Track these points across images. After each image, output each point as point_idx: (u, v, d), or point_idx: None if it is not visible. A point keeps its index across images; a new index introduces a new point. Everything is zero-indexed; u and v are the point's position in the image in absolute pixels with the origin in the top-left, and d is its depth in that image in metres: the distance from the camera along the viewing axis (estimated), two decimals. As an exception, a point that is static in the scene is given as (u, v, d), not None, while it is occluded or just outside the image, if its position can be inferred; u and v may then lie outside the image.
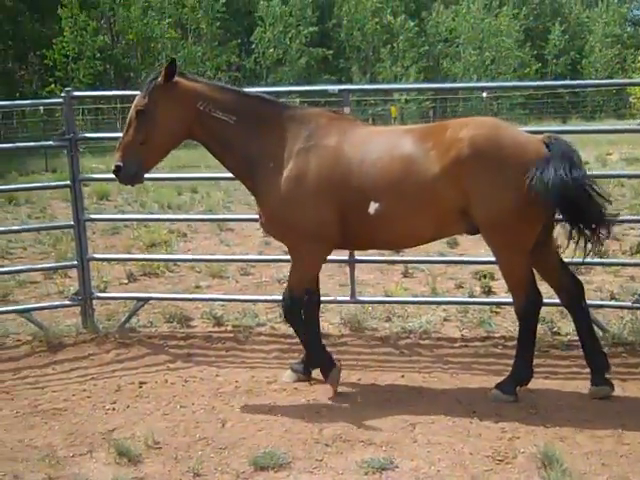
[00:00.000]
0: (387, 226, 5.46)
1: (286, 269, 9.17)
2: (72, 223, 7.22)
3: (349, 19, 52.22)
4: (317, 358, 5.78)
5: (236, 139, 5.64)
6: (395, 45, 51.49)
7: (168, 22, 41.80)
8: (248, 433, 5.05)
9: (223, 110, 5.62)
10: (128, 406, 5.59)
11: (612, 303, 7.29)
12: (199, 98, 5.60)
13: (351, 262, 6.96)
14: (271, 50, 46.18)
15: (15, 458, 4.79)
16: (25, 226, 11.09)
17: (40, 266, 9.20)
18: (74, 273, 9.46)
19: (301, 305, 5.77)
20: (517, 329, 5.56)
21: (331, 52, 50.07)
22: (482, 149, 5.18)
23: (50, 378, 6.32)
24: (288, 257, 8.27)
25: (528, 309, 5.41)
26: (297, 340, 6.47)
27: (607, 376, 5.52)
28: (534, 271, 5.49)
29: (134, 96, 5.68)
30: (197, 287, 8.90)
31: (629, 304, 6.66)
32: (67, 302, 7.43)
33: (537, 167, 5.09)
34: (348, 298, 7.03)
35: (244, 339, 6.95)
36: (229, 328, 7.21)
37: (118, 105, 34.08)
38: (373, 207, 5.38)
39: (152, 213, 14.20)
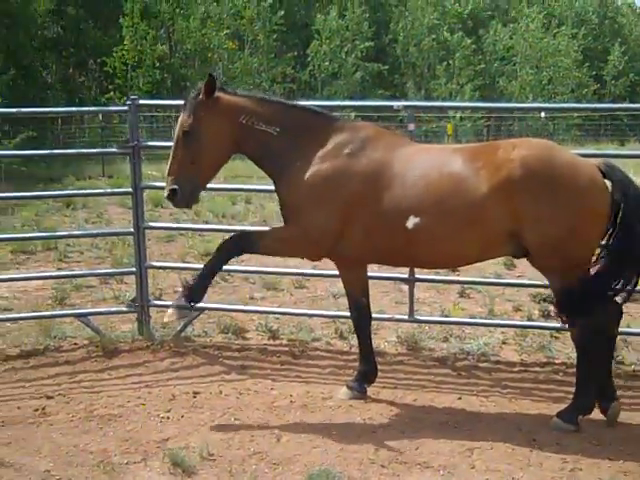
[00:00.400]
0: (428, 243, 5.40)
1: (340, 284, 9.20)
2: (132, 230, 7.26)
3: (405, 35, 52.09)
4: (192, 291, 5.59)
5: (279, 150, 5.63)
6: (451, 62, 51.21)
7: (226, 33, 42.14)
8: (303, 449, 4.99)
9: (266, 122, 5.62)
10: (182, 416, 5.56)
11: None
12: (242, 112, 5.60)
13: (410, 280, 6.85)
14: (326, 63, 46.27)
15: (70, 462, 4.79)
16: (85, 231, 11.25)
17: (99, 271, 9.30)
18: (130, 279, 9.59)
19: (240, 249, 5.73)
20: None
21: (386, 67, 50.00)
22: (534, 170, 5.11)
23: (105, 383, 6.34)
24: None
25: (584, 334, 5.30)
26: (354, 357, 6.45)
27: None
28: None
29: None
30: (251, 298, 8.87)
31: None
32: (124, 308, 7.46)
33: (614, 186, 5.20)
34: (406, 317, 6.92)
35: (299, 353, 6.90)
36: (284, 342, 7.16)
37: (173, 114, 34.43)
38: (412, 222, 5.32)
39: (207, 222, 14.24)
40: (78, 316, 7.28)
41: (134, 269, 7.36)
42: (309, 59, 47.48)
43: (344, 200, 5.46)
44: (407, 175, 5.41)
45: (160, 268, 8.82)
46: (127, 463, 4.77)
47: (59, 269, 10.49)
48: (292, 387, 6.17)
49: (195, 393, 6.02)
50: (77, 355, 6.91)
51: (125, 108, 7.21)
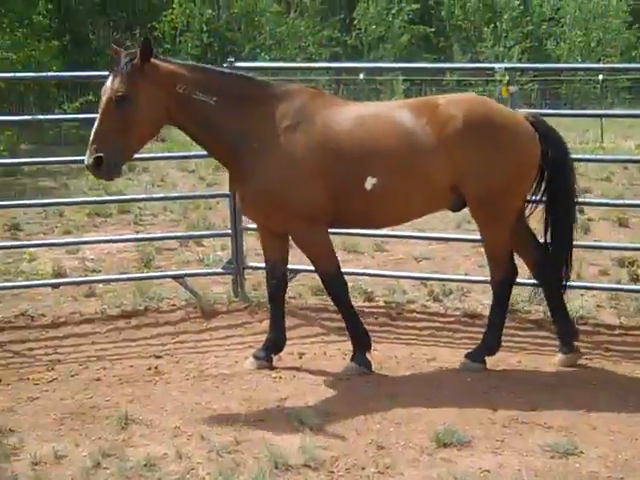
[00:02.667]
0: (384, 202, 5.55)
1: (421, 246, 9.22)
2: (228, 192, 7.31)
3: (451, -4, 51.31)
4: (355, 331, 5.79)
5: (218, 121, 5.42)
6: (498, 24, 50.34)
7: (271, -4, 41.85)
8: (421, 409, 5.04)
9: (203, 91, 5.38)
10: (294, 376, 5.65)
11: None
12: (179, 80, 5.33)
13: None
14: (373, 27, 45.78)
15: (197, 419, 4.90)
16: (181, 194, 11.53)
17: (194, 233, 9.43)
18: (208, 242, 9.72)
19: (342, 280, 5.74)
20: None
21: (432, 30, 49.31)
22: (475, 124, 5.39)
23: (208, 344, 6.46)
24: (420, 234, 8.34)
25: (504, 284, 5.76)
26: (451, 319, 6.52)
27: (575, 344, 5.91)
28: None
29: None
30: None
31: None
32: (220, 270, 7.54)
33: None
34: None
35: (396, 315, 6.94)
36: (380, 303, 7.21)
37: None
38: (370, 182, 5.43)
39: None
40: (175, 277, 7.39)
41: (229, 231, 7.42)
42: (355, 22, 46.99)
43: (309, 175, 5.43)
44: (358, 137, 5.49)
45: (254, 230, 8.84)
46: (254, 421, 4.86)
47: (137, 232, 10.61)
48: (394, 348, 6.23)
49: (300, 354, 6.11)
50: (176, 316, 7.02)
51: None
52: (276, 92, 5.57)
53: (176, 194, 11.46)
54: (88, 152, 5.13)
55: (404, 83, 31.81)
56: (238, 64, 7.16)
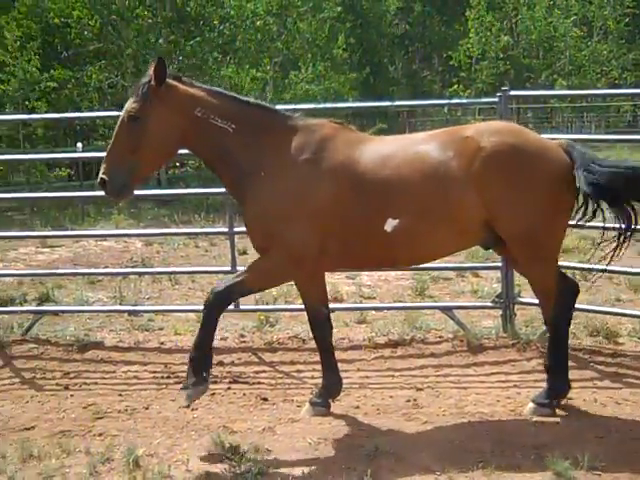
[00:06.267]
0: (408, 244, 5.17)
1: None
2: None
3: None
4: (198, 363, 5.18)
5: (233, 148, 5.20)
6: None
7: (572, 20, 40.53)
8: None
9: (222, 117, 5.17)
10: (557, 422, 5.29)
11: None
12: (198, 103, 5.16)
13: None
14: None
15: (448, 459, 4.72)
16: None
17: (463, 265, 9.29)
18: (484, 274, 9.50)
19: (230, 301, 5.36)
20: None
21: None
22: (506, 158, 5.01)
23: (472, 379, 6.28)
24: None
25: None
26: None
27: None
28: None
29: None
30: (617, 300, 8.30)
31: None
32: (488, 303, 7.33)
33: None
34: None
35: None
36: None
37: (541, 105, 34.36)
38: (391, 225, 5.05)
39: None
40: (443, 309, 7.31)
41: (499, 264, 7.19)
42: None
43: (314, 213, 5.03)
44: (379, 176, 5.02)
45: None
46: (504, 466, 4.61)
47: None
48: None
49: (569, 399, 5.71)
50: (442, 348, 6.93)
51: (495, 99, 7.05)
52: (296, 124, 5.31)
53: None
54: (100, 171, 5.12)
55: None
56: (512, 92, 6.97)
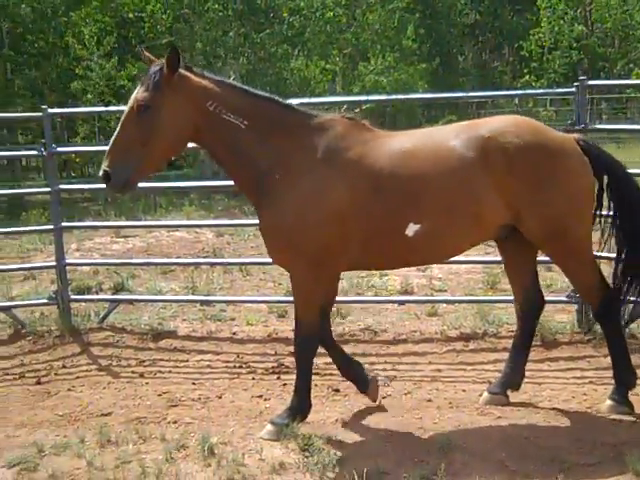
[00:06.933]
0: (430, 246, 5.05)
1: None
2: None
3: None
4: (299, 399, 5.19)
5: (245, 145, 4.97)
6: None
7: (649, 7, 39.41)
8: None
9: (234, 112, 4.94)
10: (636, 421, 5.16)
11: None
12: (210, 96, 4.92)
13: None
14: None
15: (523, 455, 4.67)
16: None
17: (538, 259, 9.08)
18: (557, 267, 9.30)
19: (314, 342, 5.18)
20: None
21: None
22: (527, 153, 4.88)
23: (546, 375, 6.19)
24: None
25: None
26: None
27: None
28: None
29: None
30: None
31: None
32: (564, 298, 7.19)
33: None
34: None
35: None
36: None
37: (624, 95, 33.67)
38: (413, 229, 4.87)
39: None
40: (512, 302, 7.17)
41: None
42: None
43: (333, 216, 4.84)
44: (399, 176, 4.88)
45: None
46: (583, 464, 4.53)
47: (487, 253, 10.53)
48: None
49: (645, 395, 5.57)
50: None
51: (572, 90, 6.90)
52: (311, 122, 5.07)
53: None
54: (103, 163, 4.87)
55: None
56: (590, 82, 6.82)
